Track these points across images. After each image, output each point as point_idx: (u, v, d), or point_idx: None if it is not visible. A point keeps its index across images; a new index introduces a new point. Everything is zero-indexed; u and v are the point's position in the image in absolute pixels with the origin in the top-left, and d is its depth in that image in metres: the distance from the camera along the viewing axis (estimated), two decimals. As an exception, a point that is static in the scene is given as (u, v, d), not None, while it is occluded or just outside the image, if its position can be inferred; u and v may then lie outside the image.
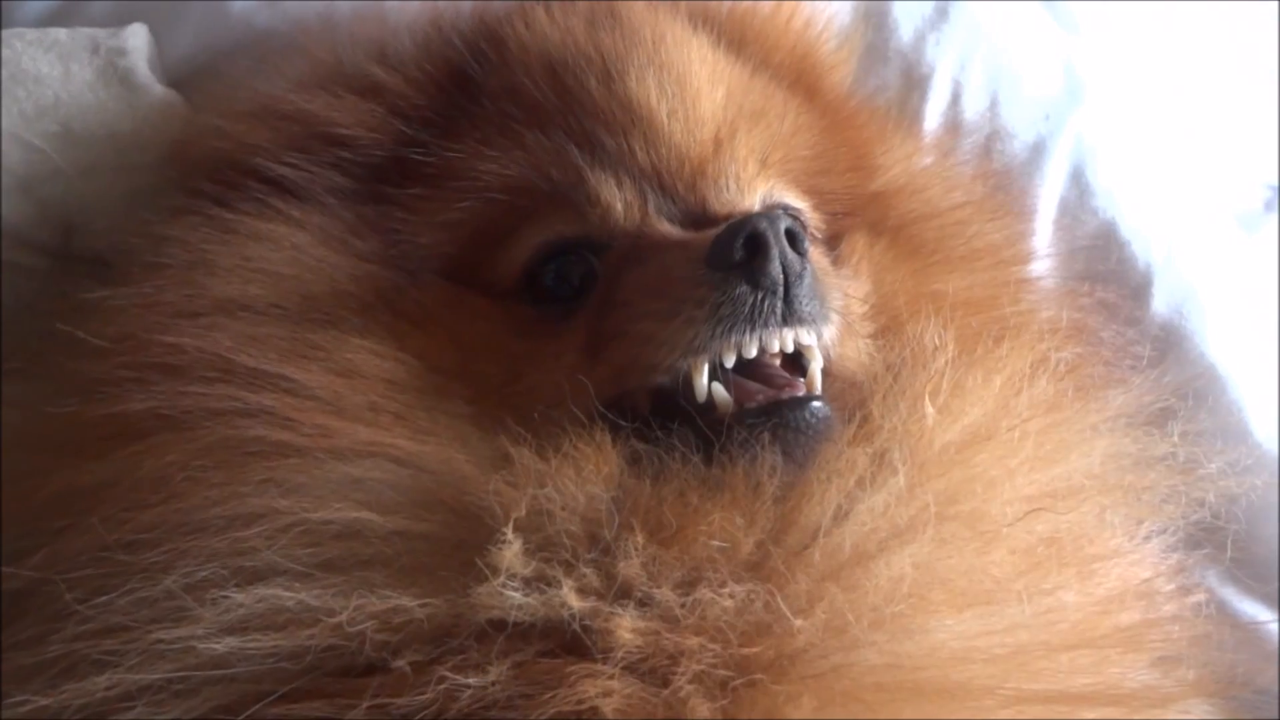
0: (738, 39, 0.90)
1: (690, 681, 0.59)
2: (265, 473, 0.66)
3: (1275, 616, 0.95)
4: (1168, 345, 1.00)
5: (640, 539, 0.62)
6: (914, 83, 1.07)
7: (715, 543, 0.62)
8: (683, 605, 0.61)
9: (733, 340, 0.68)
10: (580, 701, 0.58)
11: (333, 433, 0.67)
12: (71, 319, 0.75)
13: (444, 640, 0.60)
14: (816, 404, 0.69)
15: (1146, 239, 1.04)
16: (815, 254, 0.75)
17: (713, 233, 0.71)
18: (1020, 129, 1.07)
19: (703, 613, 0.61)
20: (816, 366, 0.71)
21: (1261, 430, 0.99)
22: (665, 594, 0.61)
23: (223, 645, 0.60)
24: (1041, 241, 1.04)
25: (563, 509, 0.63)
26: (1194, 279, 1.04)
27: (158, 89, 0.92)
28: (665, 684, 0.59)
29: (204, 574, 0.62)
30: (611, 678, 0.59)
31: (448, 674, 0.58)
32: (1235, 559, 0.92)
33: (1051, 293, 1.00)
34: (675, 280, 0.70)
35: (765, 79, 0.88)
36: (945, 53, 1.08)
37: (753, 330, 0.68)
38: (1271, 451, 0.99)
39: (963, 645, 0.61)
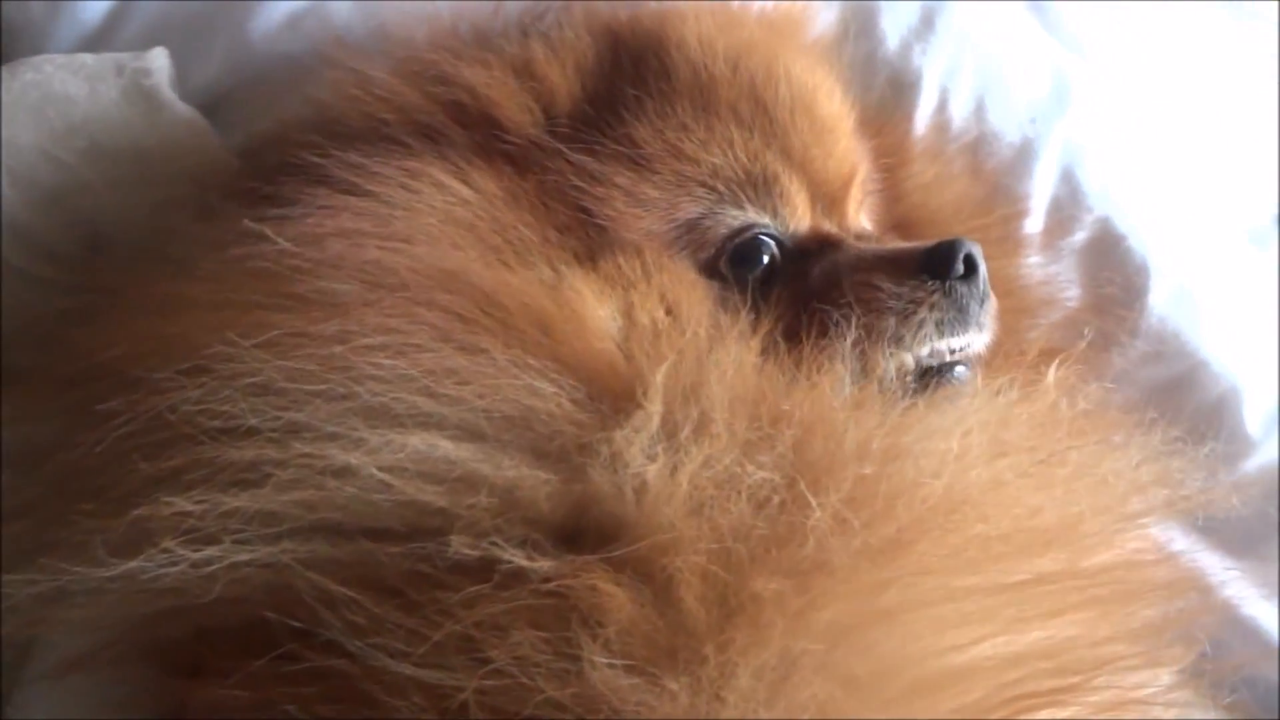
0: None
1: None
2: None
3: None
4: (1163, 340, 1.03)
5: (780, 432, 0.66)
6: (901, 89, 1.09)
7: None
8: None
9: (951, 338, 0.81)
10: None
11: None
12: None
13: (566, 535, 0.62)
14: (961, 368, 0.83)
15: (1143, 236, 1.05)
16: None
17: (923, 246, 0.84)
18: (1007, 131, 1.08)
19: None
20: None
21: (1255, 424, 1.00)
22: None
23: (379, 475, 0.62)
24: (1035, 236, 1.05)
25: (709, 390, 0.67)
26: (1192, 279, 1.05)
27: (181, 107, 0.95)
28: None
29: (372, 400, 0.64)
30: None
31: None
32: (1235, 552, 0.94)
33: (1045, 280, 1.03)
34: (896, 280, 0.82)
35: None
36: (932, 61, 1.10)
37: (965, 332, 0.82)
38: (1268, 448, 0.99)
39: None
